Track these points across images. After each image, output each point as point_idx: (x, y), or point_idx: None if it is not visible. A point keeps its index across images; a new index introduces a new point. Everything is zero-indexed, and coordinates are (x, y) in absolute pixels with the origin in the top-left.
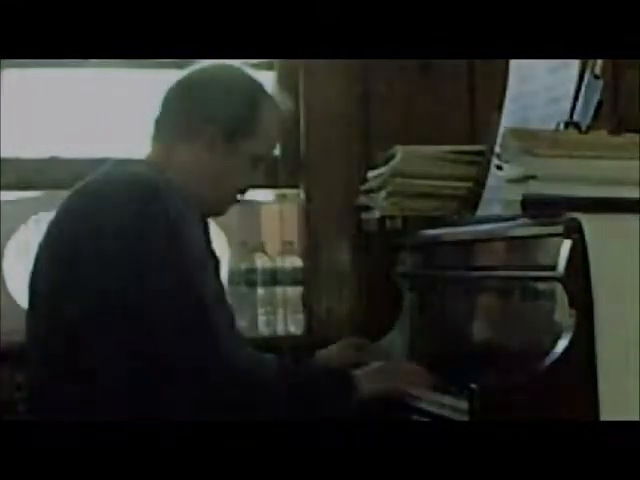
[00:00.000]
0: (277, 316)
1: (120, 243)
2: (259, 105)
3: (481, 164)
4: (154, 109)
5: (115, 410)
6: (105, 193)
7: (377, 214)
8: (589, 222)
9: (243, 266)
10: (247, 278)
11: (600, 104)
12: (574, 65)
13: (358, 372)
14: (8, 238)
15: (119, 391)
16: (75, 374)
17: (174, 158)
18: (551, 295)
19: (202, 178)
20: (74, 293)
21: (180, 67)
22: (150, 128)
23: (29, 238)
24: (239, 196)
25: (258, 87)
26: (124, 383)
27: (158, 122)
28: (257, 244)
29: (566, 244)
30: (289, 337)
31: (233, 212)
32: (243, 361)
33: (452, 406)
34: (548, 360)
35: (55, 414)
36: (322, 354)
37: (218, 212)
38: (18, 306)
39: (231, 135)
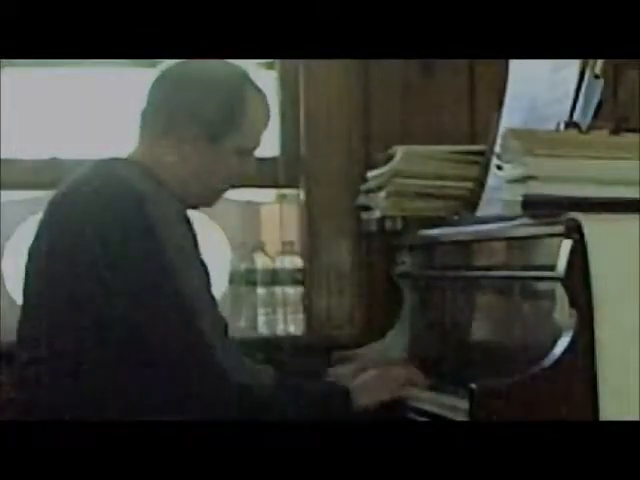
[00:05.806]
0: (277, 316)
1: (104, 253)
2: (244, 99)
3: (481, 164)
4: (141, 101)
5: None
6: (86, 202)
7: (377, 214)
8: (589, 222)
9: (243, 266)
10: (247, 278)
11: (600, 104)
12: (574, 65)
13: (354, 384)
14: (8, 238)
15: (109, 394)
16: (61, 376)
17: (159, 153)
18: (551, 295)
19: (187, 173)
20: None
21: None
22: (137, 119)
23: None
24: (226, 189)
25: (242, 79)
26: (115, 390)
27: (144, 115)
28: (257, 244)
29: (566, 244)
30: (289, 337)
31: (233, 212)
32: (240, 375)
33: (452, 406)
34: (548, 360)
35: (45, 414)
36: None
37: (206, 204)
38: (18, 306)
39: (215, 133)
